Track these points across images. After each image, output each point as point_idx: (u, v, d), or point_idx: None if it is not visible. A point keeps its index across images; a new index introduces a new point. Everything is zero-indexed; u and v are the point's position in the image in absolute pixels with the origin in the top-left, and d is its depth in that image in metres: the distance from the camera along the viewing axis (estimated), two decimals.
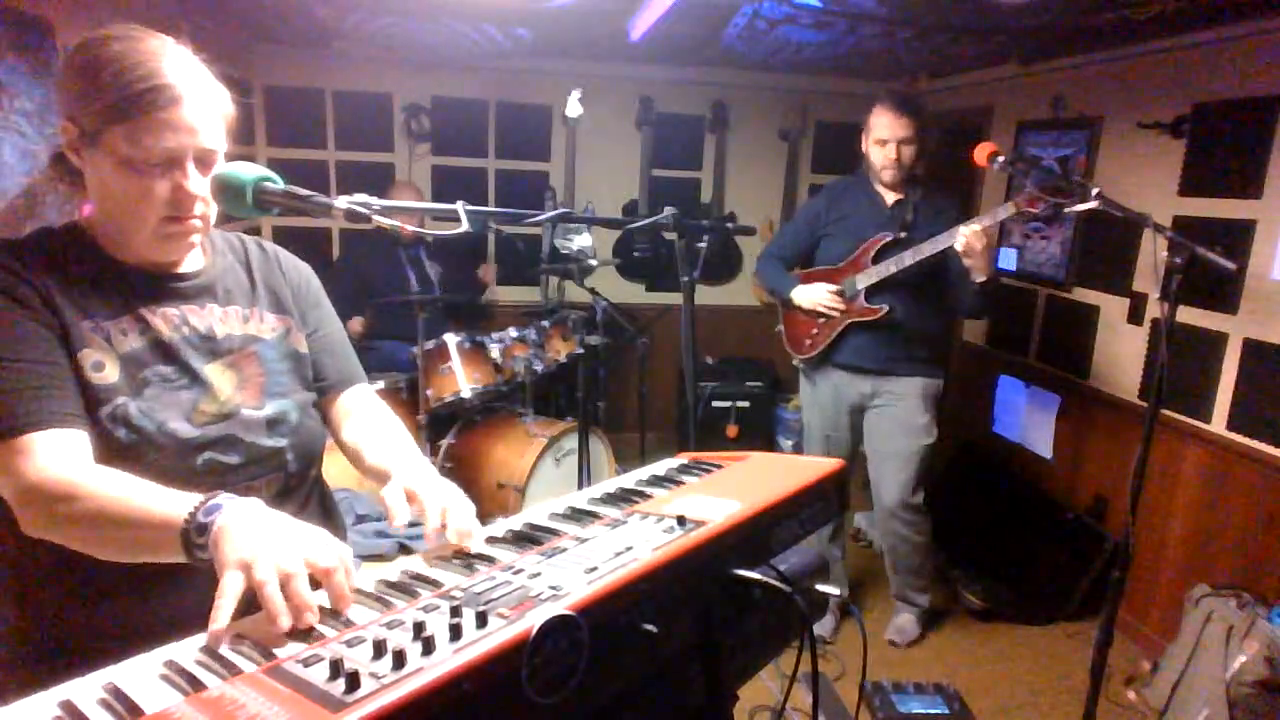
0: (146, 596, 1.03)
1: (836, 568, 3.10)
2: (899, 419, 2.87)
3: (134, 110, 0.99)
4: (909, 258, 2.68)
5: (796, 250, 3.01)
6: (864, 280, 2.78)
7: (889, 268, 2.71)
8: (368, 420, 1.29)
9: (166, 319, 1.11)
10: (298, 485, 1.21)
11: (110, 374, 1.03)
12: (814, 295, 2.85)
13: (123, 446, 1.02)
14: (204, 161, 1.06)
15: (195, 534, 0.87)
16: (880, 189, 2.83)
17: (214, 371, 1.13)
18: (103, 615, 1.05)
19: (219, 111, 1.08)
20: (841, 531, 3.13)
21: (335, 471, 1.43)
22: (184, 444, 1.06)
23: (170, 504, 0.90)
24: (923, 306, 2.80)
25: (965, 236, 2.56)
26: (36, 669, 1.06)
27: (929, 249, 2.64)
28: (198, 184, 1.05)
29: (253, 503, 0.90)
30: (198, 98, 1.03)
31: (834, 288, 2.83)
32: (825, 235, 2.91)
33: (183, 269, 1.16)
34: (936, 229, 2.70)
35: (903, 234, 2.74)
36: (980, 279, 2.64)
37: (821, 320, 2.87)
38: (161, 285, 1.12)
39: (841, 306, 2.82)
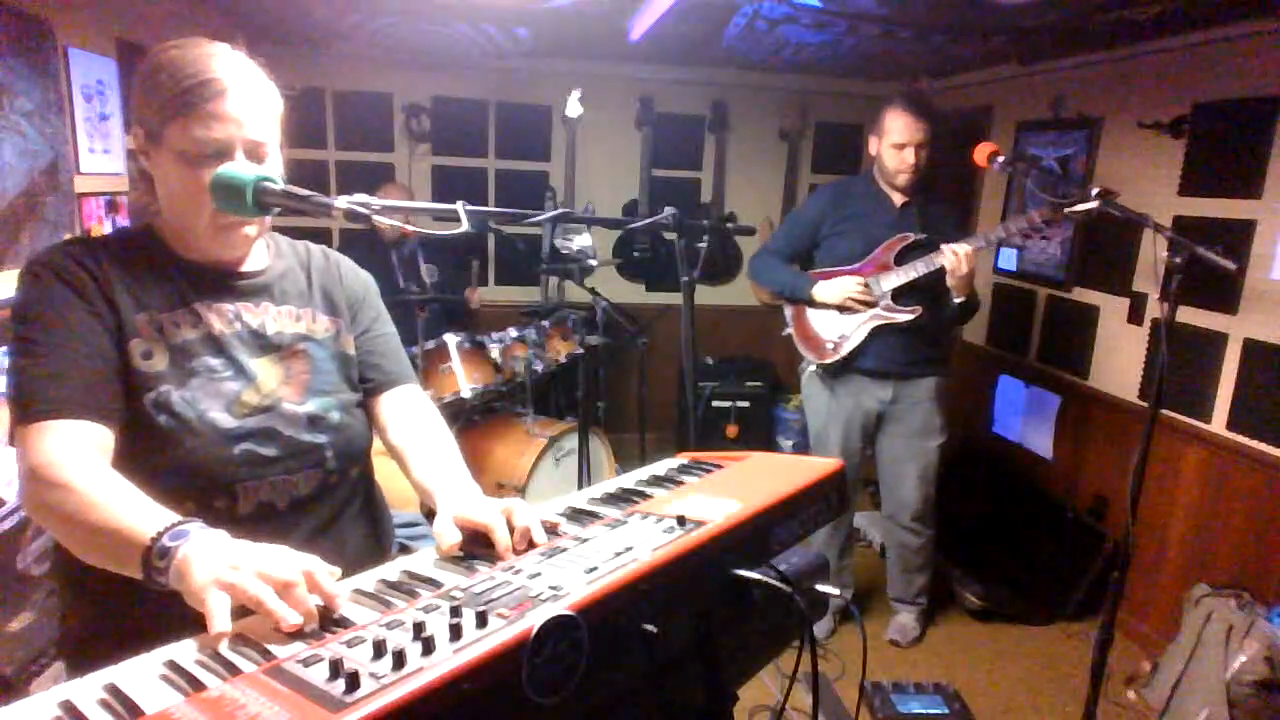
0: (146, 598, 1.03)
1: (845, 576, 3.10)
2: (917, 421, 2.87)
3: (185, 104, 1.04)
4: (940, 259, 2.62)
5: (798, 250, 2.93)
6: (890, 281, 2.72)
7: (918, 268, 2.66)
8: (416, 427, 1.28)
9: (221, 314, 1.14)
10: (338, 484, 1.21)
11: (158, 362, 1.07)
12: (842, 289, 2.73)
13: (163, 432, 1.05)
14: (254, 153, 1.10)
15: (156, 557, 0.85)
16: (887, 189, 2.80)
17: (261, 365, 1.15)
18: (103, 616, 1.05)
19: (267, 105, 1.13)
20: (850, 549, 3.11)
21: None
22: (222, 434, 1.08)
23: (142, 519, 0.89)
24: (938, 307, 2.76)
25: (956, 256, 2.57)
26: (73, 654, 1.09)
27: (981, 241, 2.60)
28: None
29: (219, 534, 0.88)
30: (243, 90, 1.08)
31: (860, 281, 2.74)
32: (831, 235, 2.85)
33: (245, 268, 1.20)
34: (945, 229, 2.71)
35: (924, 235, 2.71)
36: (959, 299, 2.67)
37: (844, 323, 2.78)
38: (221, 282, 1.17)
39: (872, 299, 2.74)
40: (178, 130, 1.05)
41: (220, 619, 0.77)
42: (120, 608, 1.04)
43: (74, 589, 1.11)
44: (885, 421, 2.91)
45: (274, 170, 1.10)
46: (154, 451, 1.04)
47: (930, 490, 2.96)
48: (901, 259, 2.72)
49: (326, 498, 1.19)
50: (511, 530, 0.96)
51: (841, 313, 2.79)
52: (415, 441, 1.26)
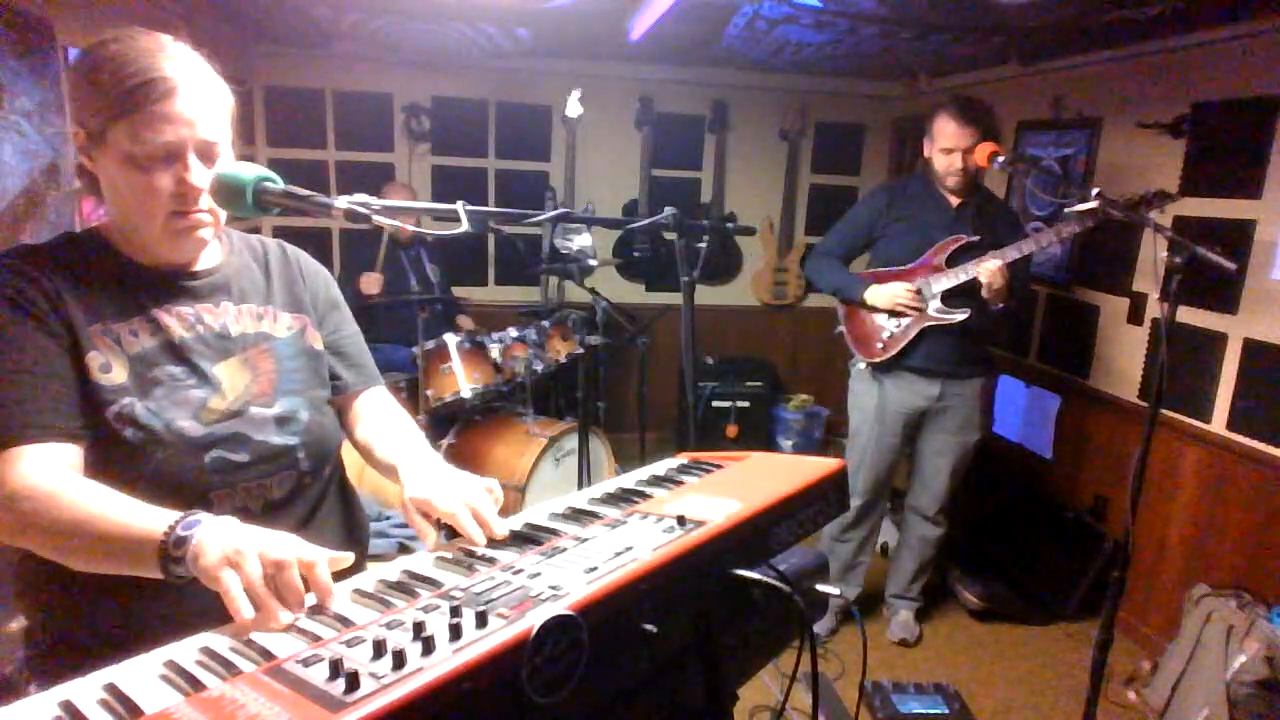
0: (146, 597, 1.03)
1: (858, 573, 3.10)
2: (960, 417, 2.89)
3: (131, 105, 1.00)
4: (991, 262, 2.62)
5: (853, 248, 2.95)
6: (942, 284, 2.73)
7: (969, 270, 2.66)
8: (381, 419, 1.30)
9: (180, 318, 1.12)
10: (311, 484, 1.20)
11: (118, 375, 1.04)
12: (893, 294, 2.75)
13: (130, 445, 1.02)
14: (206, 154, 1.06)
15: (174, 548, 0.87)
16: (943, 191, 2.80)
17: (225, 370, 1.13)
18: (104, 616, 1.04)
19: (218, 103, 1.08)
20: (870, 542, 3.10)
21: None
22: (191, 442, 1.06)
23: (149, 519, 0.90)
24: (986, 308, 2.75)
25: (989, 272, 2.58)
26: (41, 670, 1.07)
27: (1013, 254, 2.60)
28: (200, 176, 1.05)
29: (228, 520, 0.90)
30: (193, 89, 1.04)
31: (912, 286, 2.76)
32: (885, 235, 2.87)
33: (198, 267, 1.17)
34: (1000, 231, 2.71)
35: (976, 237, 2.71)
36: (999, 306, 2.67)
37: (895, 323, 2.80)
38: (175, 284, 1.13)
39: (921, 306, 2.76)
40: (123, 132, 1.00)
41: (237, 599, 0.80)
42: (89, 618, 1.04)
43: (42, 607, 1.10)
44: (929, 417, 2.92)
45: None
46: (123, 465, 1.01)
47: (958, 484, 2.99)
48: (953, 261, 2.72)
49: (301, 498, 1.19)
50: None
51: (892, 314, 2.81)
52: (382, 429, 1.27)
